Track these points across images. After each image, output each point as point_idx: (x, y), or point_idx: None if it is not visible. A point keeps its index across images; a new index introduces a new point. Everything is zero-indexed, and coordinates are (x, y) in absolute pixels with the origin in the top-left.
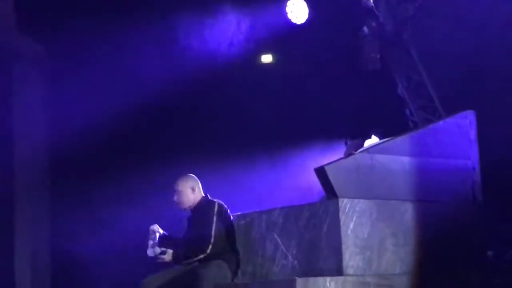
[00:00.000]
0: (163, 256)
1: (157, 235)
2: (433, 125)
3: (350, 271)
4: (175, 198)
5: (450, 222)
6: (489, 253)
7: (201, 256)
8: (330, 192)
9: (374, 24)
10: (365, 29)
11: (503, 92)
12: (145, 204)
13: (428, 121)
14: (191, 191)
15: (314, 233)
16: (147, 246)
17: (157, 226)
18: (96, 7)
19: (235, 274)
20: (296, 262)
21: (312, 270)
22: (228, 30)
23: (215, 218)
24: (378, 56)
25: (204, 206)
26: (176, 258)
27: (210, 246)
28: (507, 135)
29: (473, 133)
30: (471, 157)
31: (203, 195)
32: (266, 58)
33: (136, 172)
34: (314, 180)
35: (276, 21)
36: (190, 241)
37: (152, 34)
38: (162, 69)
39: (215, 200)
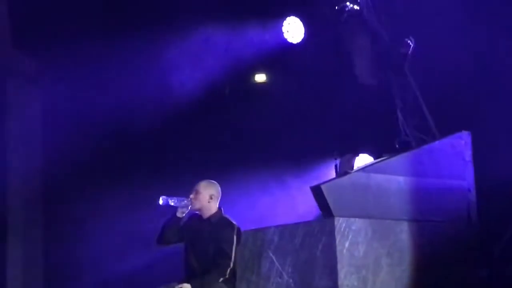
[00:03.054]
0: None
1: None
2: (429, 145)
3: None
4: (192, 195)
5: (445, 242)
6: (484, 273)
7: (221, 280)
8: (325, 210)
9: (369, 41)
10: (360, 42)
11: (499, 113)
12: (139, 217)
13: (423, 141)
14: (209, 197)
15: (309, 251)
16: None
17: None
18: (91, 23)
19: None
20: (291, 280)
21: None
22: (222, 49)
23: (235, 242)
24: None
25: (224, 224)
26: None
27: (229, 270)
28: (502, 155)
29: (468, 154)
30: (466, 177)
31: (218, 208)
32: (260, 78)
33: (130, 187)
34: (309, 199)
35: (272, 41)
36: (210, 263)
37: (146, 50)
38: (155, 85)
39: (234, 222)
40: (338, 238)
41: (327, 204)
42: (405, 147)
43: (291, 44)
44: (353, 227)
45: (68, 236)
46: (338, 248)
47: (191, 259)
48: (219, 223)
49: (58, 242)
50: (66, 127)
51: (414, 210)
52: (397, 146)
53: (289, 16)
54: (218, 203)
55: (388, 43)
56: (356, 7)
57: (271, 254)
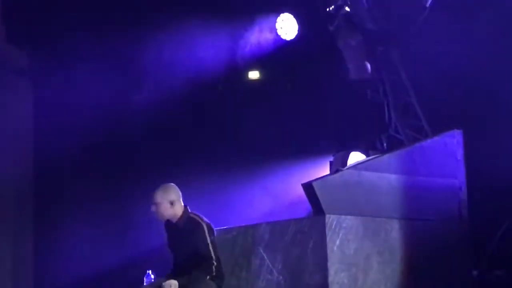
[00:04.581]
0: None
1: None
2: (421, 144)
3: (335, 287)
4: (153, 208)
5: (436, 240)
6: (474, 272)
7: (208, 278)
8: (317, 208)
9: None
10: (352, 42)
11: (491, 112)
12: (132, 215)
13: (415, 139)
14: (170, 204)
15: (300, 248)
16: None
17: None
18: (84, 17)
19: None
20: (281, 277)
21: (297, 286)
22: (216, 46)
23: (209, 240)
24: (362, 65)
25: (192, 226)
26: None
27: (214, 268)
28: (494, 154)
29: (460, 153)
30: (457, 176)
31: (183, 208)
32: (253, 75)
33: (123, 184)
34: (301, 196)
35: (266, 37)
36: (190, 266)
37: (139, 46)
38: (148, 82)
39: (201, 220)
40: (329, 235)
41: (319, 201)
42: (392, 143)
43: (285, 40)
44: (344, 225)
45: (58, 235)
46: (329, 245)
47: (175, 261)
48: (187, 226)
49: (48, 241)
50: (58, 122)
51: (405, 208)
52: (384, 144)
53: (283, 13)
54: (181, 203)
55: (380, 40)
56: (347, 8)
57: (261, 251)
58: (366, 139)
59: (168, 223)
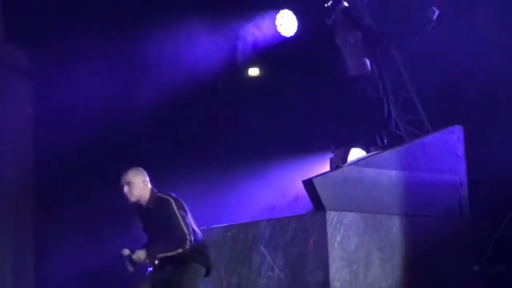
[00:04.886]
0: (135, 256)
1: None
2: (421, 140)
3: (336, 284)
4: (126, 190)
5: (437, 236)
6: (475, 268)
7: (180, 250)
8: (317, 204)
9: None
10: (350, 39)
11: (492, 107)
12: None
13: (415, 135)
14: (143, 184)
15: (301, 245)
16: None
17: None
18: (84, 16)
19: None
20: (282, 274)
21: (298, 283)
22: (216, 44)
23: (178, 213)
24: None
25: (160, 204)
26: (150, 254)
27: (188, 243)
28: (494, 149)
29: (460, 148)
30: (458, 171)
31: (151, 190)
32: (253, 72)
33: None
34: (301, 192)
35: (265, 34)
36: (164, 240)
37: (139, 44)
38: (149, 80)
39: (169, 196)
40: (329, 232)
41: (319, 198)
42: (392, 139)
43: (284, 37)
44: (345, 221)
45: (59, 235)
46: (330, 242)
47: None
48: (156, 205)
49: (49, 240)
50: (58, 121)
51: (406, 205)
52: (384, 141)
53: (282, 9)
54: (150, 186)
55: (380, 37)
56: (345, 3)
57: (262, 248)
58: (366, 135)
59: (138, 207)
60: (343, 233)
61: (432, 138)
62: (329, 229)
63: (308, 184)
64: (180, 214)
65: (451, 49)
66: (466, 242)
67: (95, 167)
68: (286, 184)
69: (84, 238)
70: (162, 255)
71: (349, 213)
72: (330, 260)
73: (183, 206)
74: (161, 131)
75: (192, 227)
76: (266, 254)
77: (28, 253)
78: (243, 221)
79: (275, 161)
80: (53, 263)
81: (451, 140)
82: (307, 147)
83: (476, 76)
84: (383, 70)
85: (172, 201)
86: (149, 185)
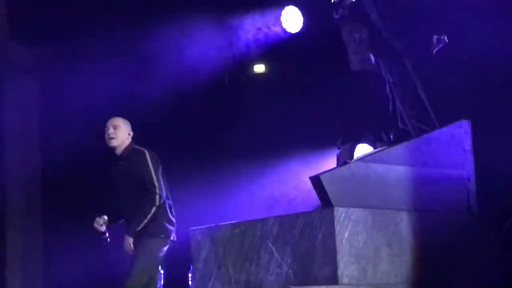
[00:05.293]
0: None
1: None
2: (428, 135)
3: (345, 280)
4: (111, 131)
5: (445, 231)
6: (484, 263)
7: (154, 209)
8: (325, 201)
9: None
10: (356, 35)
11: (499, 101)
12: None
13: (422, 130)
14: (127, 134)
15: (309, 242)
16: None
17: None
18: (90, 15)
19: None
20: (290, 271)
21: (307, 279)
22: (221, 40)
23: (151, 165)
24: (366, 57)
25: (135, 153)
26: (133, 234)
27: (157, 197)
28: (502, 144)
29: (468, 143)
30: (465, 166)
31: (132, 142)
32: (259, 68)
33: None
34: (308, 189)
35: (271, 30)
36: (136, 201)
37: (144, 41)
38: (154, 78)
39: (146, 150)
40: (337, 228)
41: (327, 194)
42: (401, 136)
43: (290, 33)
44: (353, 217)
45: (68, 234)
46: (338, 238)
47: (115, 202)
48: (130, 156)
49: (57, 239)
50: (64, 121)
51: (414, 200)
52: (391, 136)
53: (288, 5)
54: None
55: (387, 33)
56: None
57: (270, 245)
58: (373, 131)
59: (113, 159)
60: (351, 229)
61: (440, 133)
62: (337, 225)
63: (316, 180)
64: (153, 167)
65: (458, 43)
66: (474, 237)
67: (103, 165)
68: (293, 180)
69: (92, 237)
70: (142, 226)
71: (357, 209)
72: (338, 256)
73: (158, 162)
74: (168, 128)
75: (164, 185)
76: (274, 250)
77: (37, 254)
78: (250, 218)
79: (281, 157)
80: (62, 264)
81: (459, 135)
82: (313, 143)
83: (485, 70)
84: (389, 64)
85: (148, 154)
86: (131, 138)
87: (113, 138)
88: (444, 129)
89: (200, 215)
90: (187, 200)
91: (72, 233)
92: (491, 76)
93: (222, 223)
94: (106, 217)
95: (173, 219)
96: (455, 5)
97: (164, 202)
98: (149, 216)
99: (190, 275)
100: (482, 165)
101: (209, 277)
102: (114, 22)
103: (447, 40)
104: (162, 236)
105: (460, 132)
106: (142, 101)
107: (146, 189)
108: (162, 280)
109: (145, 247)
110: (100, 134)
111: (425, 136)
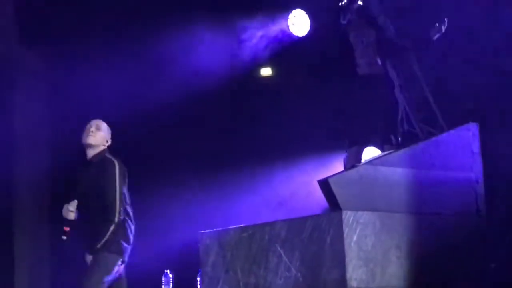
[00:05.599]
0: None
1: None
2: (436, 138)
3: (353, 283)
4: (93, 129)
5: (453, 234)
6: (492, 265)
7: (112, 228)
8: (333, 204)
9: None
10: (363, 39)
11: (507, 103)
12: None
13: (430, 133)
14: (106, 140)
15: (317, 245)
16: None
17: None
18: (99, 19)
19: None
20: (299, 274)
21: (316, 283)
22: (228, 44)
23: (118, 179)
24: (373, 60)
25: (104, 163)
26: (92, 251)
27: (117, 214)
28: (511, 146)
29: (476, 146)
30: (474, 169)
31: (106, 149)
32: (266, 71)
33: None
34: (315, 192)
35: (278, 34)
36: (91, 207)
37: (153, 46)
38: (163, 82)
39: (116, 161)
40: (346, 231)
41: (335, 197)
42: (409, 139)
43: (297, 37)
44: (361, 220)
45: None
46: (346, 241)
47: (81, 212)
48: (100, 163)
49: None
50: (74, 123)
51: (422, 203)
52: (399, 138)
53: (295, 9)
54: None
55: (394, 36)
56: (360, 2)
57: (279, 248)
58: (380, 134)
59: (83, 162)
60: (360, 232)
61: (447, 136)
62: (345, 229)
63: (324, 183)
64: (119, 181)
65: (467, 45)
66: (482, 239)
67: None
68: (300, 183)
69: None
70: (102, 243)
71: (365, 212)
72: (347, 259)
73: (125, 176)
74: (174, 132)
75: (126, 200)
76: (283, 254)
77: (45, 254)
78: (259, 222)
79: (288, 160)
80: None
81: (467, 138)
82: (320, 146)
83: (493, 72)
84: (396, 67)
85: (117, 165)
86: (107, 147)
87: (92, 136)
88: (452, 131)
89: (209, 219)
90: (195, 203)
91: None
92: (500, 78)
93: (230, 227)
94: (76, 202)
95: (131, 237)
96: (465, 7)
97: (124, 219)
98: (107, 235)
99: (198, 279)
100: (490, 167)
101: (217, 280)
102: (123, 25)
103: (443, 29)
104: (118, 253)
105: (468, 134)
106: (151, 104)
107: (106, 204)
108: (171, 284)
109: (101, 261)
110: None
111: (433, 139)
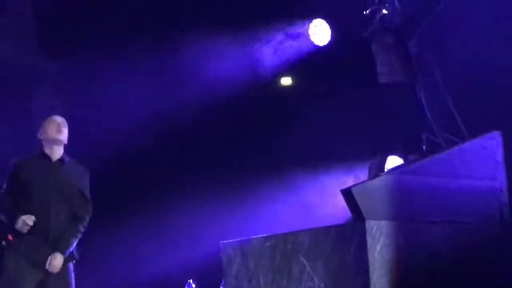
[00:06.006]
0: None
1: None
2: (460, 146)
3: None
4: (63, 127)
5: (477, 243)
6: None
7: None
8: (356, 214)
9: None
10: (386, 47)
11: None
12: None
13: (453, 142)
14: (66, 139)
15: (340, 255)
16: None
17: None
18: (118, 31)
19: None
20: (322, 284)
21: None
22: (248, 54)
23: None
24: (395, 69)
25: (83, 168)
26: (66, 251)
27: (90, 208)
28: None
29: (499, 154)
30: (498, 177)
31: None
32: (286, 81)
33: (159, 196)
34: (338, 202)
35: (298, 43)
36: (67, 213)
37: (170, 56)
38: (180, 92)
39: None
40: (369, 241)
41: (358, 207)
42: (432, 148)
43: (318, 46)
44: (385, 230)
45: (96, 245)
46: (370, 251)
47: (41, 208)
48: (76, 166)
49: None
50: (89, 134)
51: (445, 212)
52: (423, 147)
53: (316, 18)
54: None
55: (416, 44)
56: (384, 11)
57: (302, 258)
58: (403, 143)
59: (41, 160)
60: (383, 242)
61: (471, 145)
62: (369, 239)
63: (347, 193)
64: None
65: (488, 52)
66: (507, 248)
67: (128, 177)
68: (323, 193)
69: (122, 247)
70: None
71: (388, 222)
72: (371, 269)
73: None
74: (193, 142)
75: None
76: (306, 264)
77: None
78: (281, 231)
79: (311, 170)
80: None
81: (490, 146)
82: (343, 156)
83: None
84: (418, 75)
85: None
86: None
87: (62, 133)
88: (475, 140)
89: (232, 228)
90: (218, 213)
91: (101, 242)
92: None
93: (253, 237)
94: (33, 218)
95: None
96: (484, 16)
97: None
98: (79, 235)
99: None
100: None
101: None
102: (142, 37)
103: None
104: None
105: (492, 143)
106: (170, 114)
107: (82, 205)
108: None
109: (71, 274)
110: (126, 147)
111: (456, 147)
